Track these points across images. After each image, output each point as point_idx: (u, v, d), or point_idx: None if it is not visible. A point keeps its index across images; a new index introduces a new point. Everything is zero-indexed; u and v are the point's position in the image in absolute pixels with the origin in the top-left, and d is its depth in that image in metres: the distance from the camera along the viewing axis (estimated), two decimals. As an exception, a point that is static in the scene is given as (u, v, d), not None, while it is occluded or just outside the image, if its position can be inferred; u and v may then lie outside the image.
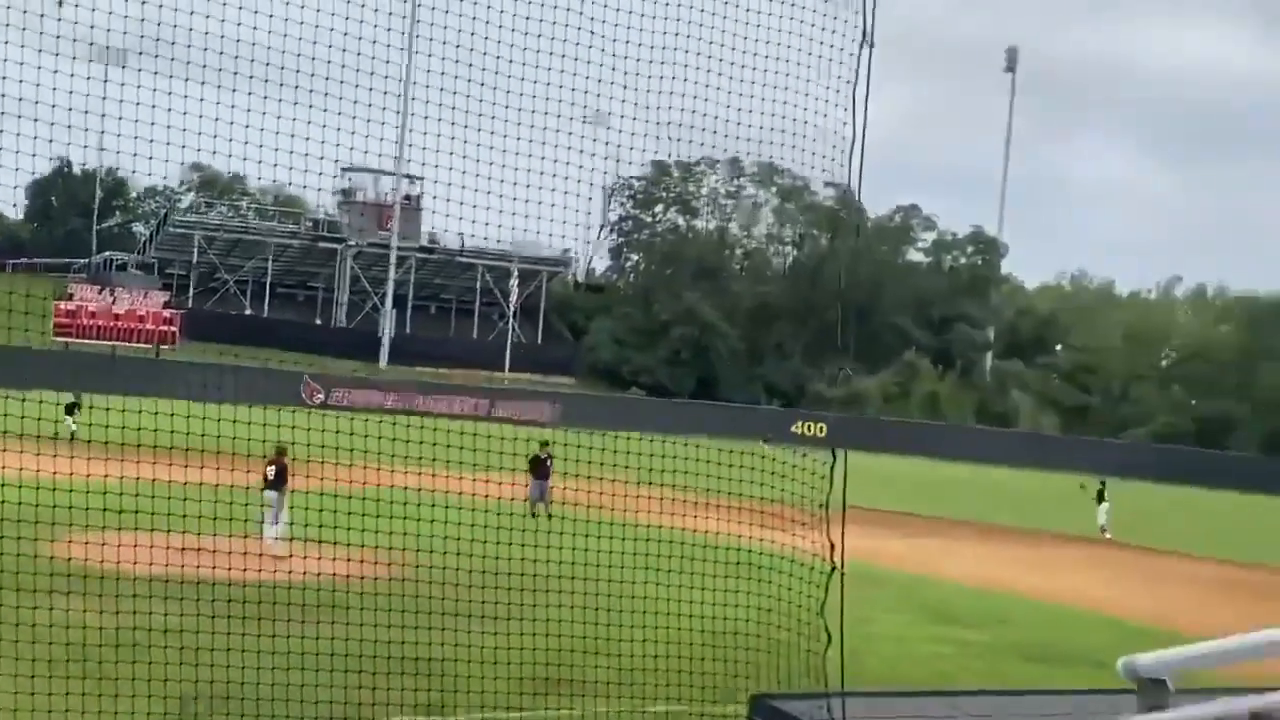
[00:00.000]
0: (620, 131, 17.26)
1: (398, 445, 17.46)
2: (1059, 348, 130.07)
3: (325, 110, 14.85)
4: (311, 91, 14.54)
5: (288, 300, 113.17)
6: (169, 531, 14.50)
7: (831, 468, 11.63)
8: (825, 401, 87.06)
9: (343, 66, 14.84)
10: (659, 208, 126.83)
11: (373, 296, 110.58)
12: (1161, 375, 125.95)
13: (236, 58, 13.74)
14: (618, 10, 15.46)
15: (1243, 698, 6.77)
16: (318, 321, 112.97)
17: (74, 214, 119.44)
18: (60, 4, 13.35)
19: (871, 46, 14.33)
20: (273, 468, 27.70)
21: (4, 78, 12.36)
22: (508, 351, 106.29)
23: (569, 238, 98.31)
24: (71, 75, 13.40)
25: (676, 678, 15.30)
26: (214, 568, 15.70)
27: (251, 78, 13.92)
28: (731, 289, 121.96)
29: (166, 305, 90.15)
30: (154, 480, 14.95)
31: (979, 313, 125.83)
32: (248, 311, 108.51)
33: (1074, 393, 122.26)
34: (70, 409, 43.84)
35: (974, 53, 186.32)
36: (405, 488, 18.58)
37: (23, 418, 15.96)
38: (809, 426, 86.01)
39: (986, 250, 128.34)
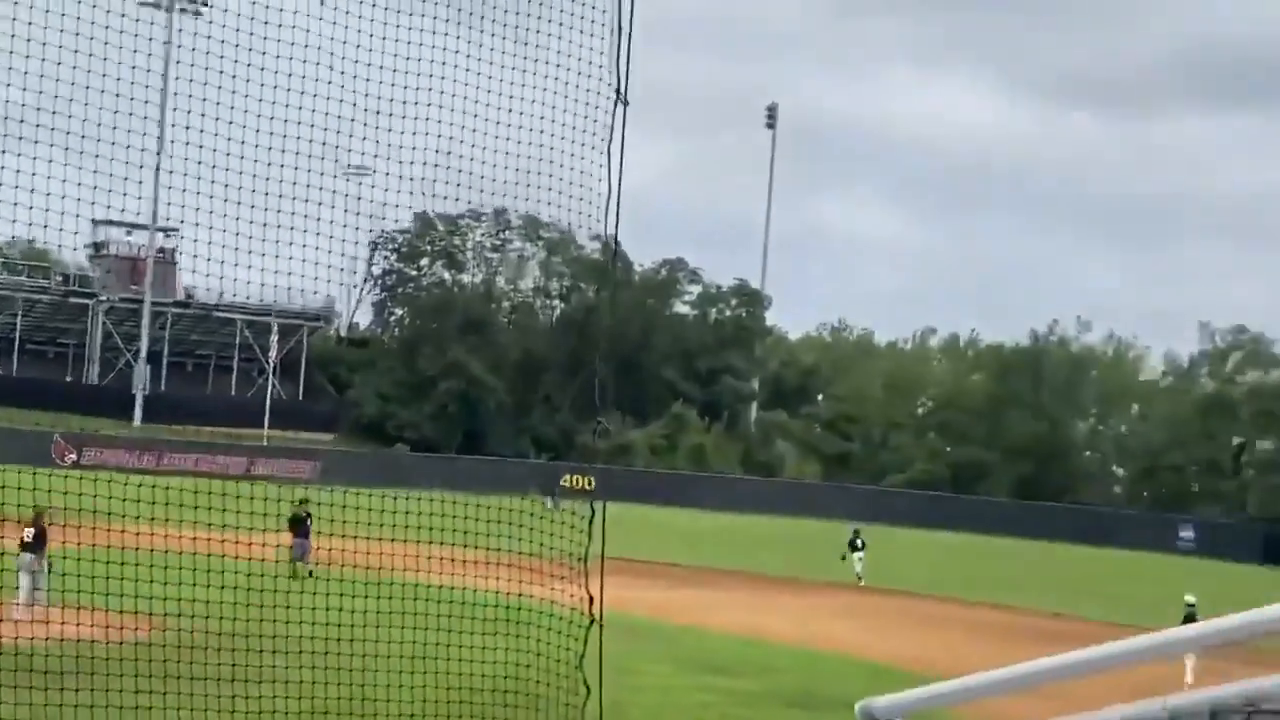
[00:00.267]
0: (385, 189, 17.28)
1: (154, 506, 17.05)
2: (821, 397, 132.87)
3: (79, 167, 14.58)
4: (66, 149, 14.28)
5: (37, 357, 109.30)
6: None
7: (590, 521, 11.79)
8: (593, 454, 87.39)
9: (98, 124, 14.57)
10: (424, 261, 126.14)
11: (126, 353, 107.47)
12: (918, 423, 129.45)
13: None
14: (379, 68, 15.52)
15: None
16: (69, 379, 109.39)
17: None
18: None
19: (626, 104, 14.65)
20: (30, 530, 26.79)
21: None
22: (267, 408, 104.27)
23: (331, 291, 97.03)
24: None
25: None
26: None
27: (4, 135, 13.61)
28: (499, 342, 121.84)
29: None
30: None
31: (744, 364, 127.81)
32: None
33: (836, 441, 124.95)
34: None
35: (737, 108, 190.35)
36: (165, 550, 18.14)
37: None
38: (577, 479, 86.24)
39: (751, 303, 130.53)
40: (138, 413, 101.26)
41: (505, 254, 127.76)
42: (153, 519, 16.99)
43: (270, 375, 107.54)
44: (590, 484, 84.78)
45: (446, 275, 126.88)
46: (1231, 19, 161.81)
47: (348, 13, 15.21)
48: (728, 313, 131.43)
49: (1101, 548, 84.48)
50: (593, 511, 11.84)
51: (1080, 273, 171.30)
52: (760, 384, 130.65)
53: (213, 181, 15.58)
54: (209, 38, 15.20)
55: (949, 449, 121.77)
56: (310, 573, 31.02)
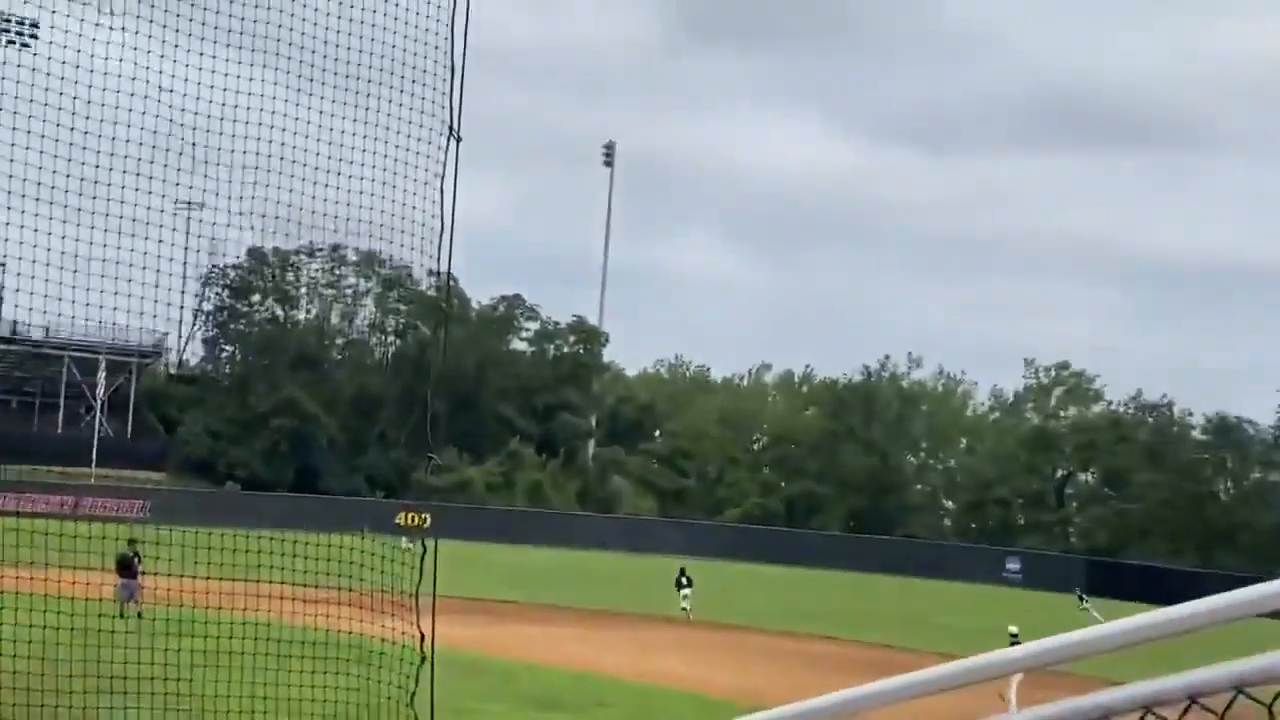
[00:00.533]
0: (215, 224, 17.17)
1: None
2: (658, 433, 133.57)
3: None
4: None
5: None
6: None
7: (422, 558, 11.81)
8: (429, 491, 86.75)
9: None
10: (256, 297, 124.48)
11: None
12: (753, 458, 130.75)
13: None
14: (211, 103, 15.43)
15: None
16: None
17: None
18: None
19: (459, 140, 14.76)
20: None
21: None
22: (95, 446, 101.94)
23: (161, 328, 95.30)
24: None
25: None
26: None
27: None
28: (332, 379, 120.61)
29: None
30: None
31: (581, 401, 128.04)
32: None
33: (672, 477, 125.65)
34: None
35: (575, 146, 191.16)
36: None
37: None
38: (413, 517, 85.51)
39: (588, 339, 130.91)
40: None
41: (340, 289, 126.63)
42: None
43: (98, 413, 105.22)
44: (425, 521, 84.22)
45: (279, 311, 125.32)
46: (1051, 65, 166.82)
47: (178, 47, 15.13)
48: (565, 349, 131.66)
49: (932, 580, 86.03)
50: (424, 548, 11.86)
51: (910, 309, 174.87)
52: (597, 420, 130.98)
53: (37, 215, 15.36)
54: (35, 70, 15.01)
55: (783, 483, 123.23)
56: (139, 614, 30.43)
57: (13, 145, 15.02)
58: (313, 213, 16.60)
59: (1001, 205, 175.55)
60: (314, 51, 15.60)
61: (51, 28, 15.13)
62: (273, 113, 15.41)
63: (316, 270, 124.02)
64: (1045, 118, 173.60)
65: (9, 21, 29.02)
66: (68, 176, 15.14)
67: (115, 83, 14.84)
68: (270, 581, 17.43)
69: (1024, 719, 2.44)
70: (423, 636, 11.49)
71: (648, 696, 29.47)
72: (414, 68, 15.56)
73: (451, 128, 14.09)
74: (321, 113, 15.56)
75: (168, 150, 15.22)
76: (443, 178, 14.49)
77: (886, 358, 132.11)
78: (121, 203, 15.55)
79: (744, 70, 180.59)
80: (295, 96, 15.48)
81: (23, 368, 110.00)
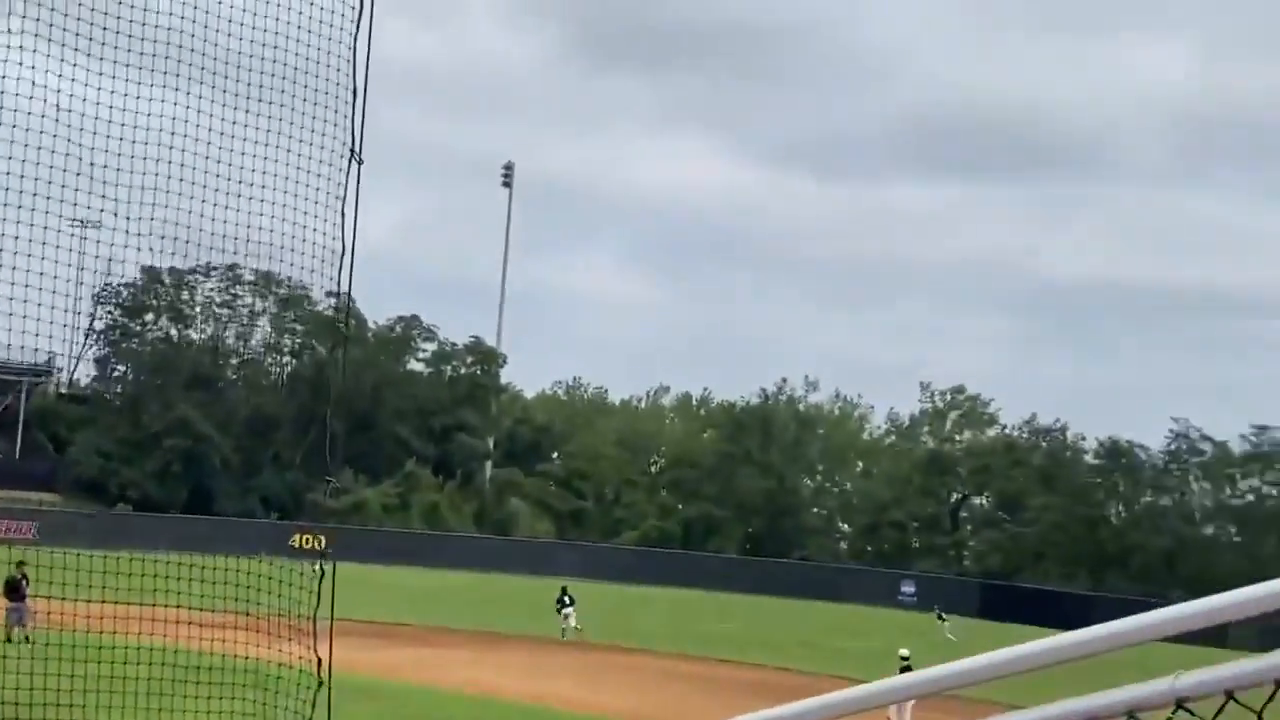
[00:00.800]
0: (112, 245, 17.01)
1: None
2: (555, 455, 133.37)
3: None
4: None
5: None
6: None
7: (319, 582, 11.76)
8: (325, 513, 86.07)
9: None
10: (150, 316, 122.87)
11: None
12: (651, 480, 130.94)
13: None
14: (108, 123, 15.30)
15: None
16: None
17: None
18: None
19: (360, 163, 14.77)
20: None
21: None
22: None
23: (52, 346, 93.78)
24: None
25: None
26: None
27: None
28: (227, 399, 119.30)
29: None
30: None
31: (479, 422, 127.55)
32: None
33: (569, 499, 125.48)
34: None
35: (474, 166, 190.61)
36: None
37: None
38: (307, 539, 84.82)
39: (486, 360, 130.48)
40: None
41: (235, 309, 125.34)
42: None
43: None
44: (321, 543, 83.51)
45: (173, 330, 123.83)
46: (947, 93, 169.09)
47: (74, 65, 14.99)
48: (463, 370, 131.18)
49: (828, 602, 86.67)
50: (322, 572, 11.82)
51: (808, 332, 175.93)
52: (495, 442, 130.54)
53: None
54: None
55: (681, 506, 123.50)
56: (28, 639, 29.93)
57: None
58: (212, 234, 16.52)
59: (897, 230, 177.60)
60: (214, 74, 15.53)
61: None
62: (173, 133, 15.31)
63: (211, 289, 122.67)
64: (940, 144, 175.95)
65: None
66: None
67: (12, 101, 14.68)
68: (165, 605, 17.24)
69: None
70: (320, 660, 11.43)
71: (541, 718, 29.46)
72: (316, 90, 15.54)
73: (353, 150, 14.08)
74: (223, 134, 15.48)
75: (65, 170, 15.07)
76: (344, 200, 14.48)
77: (784, 381, 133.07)
78: (17, 222, 15.38)
79: (644, 93, 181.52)
80: (196, 117, 15.40)
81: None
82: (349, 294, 13.37)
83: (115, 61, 15.00)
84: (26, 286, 15.80)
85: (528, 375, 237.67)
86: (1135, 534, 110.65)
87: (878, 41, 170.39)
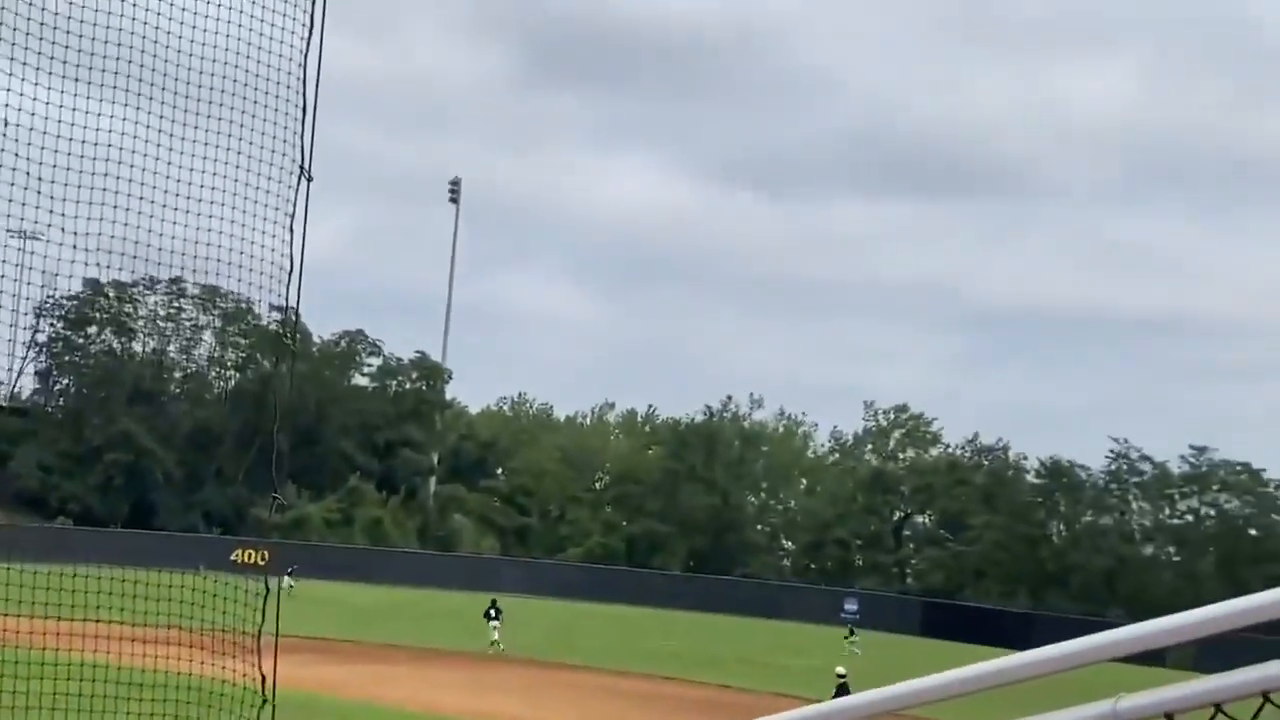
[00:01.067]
0: (54, 258, 16.93)
1: None
2: (500, 471, 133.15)
3: None
4: None
5: None
6: None
7: (264, 598, 11.75)
8: (267, 528, 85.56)
9: None
10: (92, 328, 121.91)
11: None
12: (595, 497, 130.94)
13: None
14: (55, 136, 15.24)
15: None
16: None
17: None
18: None
19: (310, 180, 14.78)
20: None
21: None
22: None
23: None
24: None
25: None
26: None
27: None
28: (170, 413, 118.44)
29: None
30: None
31: (423, 437, 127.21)
32: None
33: (514, 515, 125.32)
34: None
35: (420, 182, 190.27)
36: None
37: None
38: (249, 554, 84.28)
39: (431, 376, 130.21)
40: None
41: (179, 322, 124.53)
42: None
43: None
44: (264, 558, 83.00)
45: (116, 344, 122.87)
46: (891, 114, 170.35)
47: (11, 75, 14.91)
48: (407, 385, 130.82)
49: (770, 620, 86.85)
50: (268, 589, 11.80)
51: (752, 350, 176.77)
52: (439, 457, 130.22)
53: None
54: None
55: (625, 522, 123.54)
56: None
57: None
58: (158, 249, 16.45)
59: (841, 249, 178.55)
60: (163, 88, 15.49)
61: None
62: (120, 147, 15.26)
63: (155, 303, 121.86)
64: (884, 165, 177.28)
65: None
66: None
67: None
68: (106, 621, 17.12)
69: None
70: (264, 678, 11.41)
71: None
72: (265, 105, 15.51)
73: (303, 167, 14.09)
74: (170, 148, 15.44)
75: (12, 185, 14.98)
76: (293, 216, 14.48)
77: (729, 398, 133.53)
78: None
79: (589, 110, 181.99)
80: (143, 131, 15.35)
81: None
82: (296, 310, 13.36)
83: (63, 76, 14.95)
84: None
85: (472, 391, 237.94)
86: (1075, 553, 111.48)
87: (826, 60, 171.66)
